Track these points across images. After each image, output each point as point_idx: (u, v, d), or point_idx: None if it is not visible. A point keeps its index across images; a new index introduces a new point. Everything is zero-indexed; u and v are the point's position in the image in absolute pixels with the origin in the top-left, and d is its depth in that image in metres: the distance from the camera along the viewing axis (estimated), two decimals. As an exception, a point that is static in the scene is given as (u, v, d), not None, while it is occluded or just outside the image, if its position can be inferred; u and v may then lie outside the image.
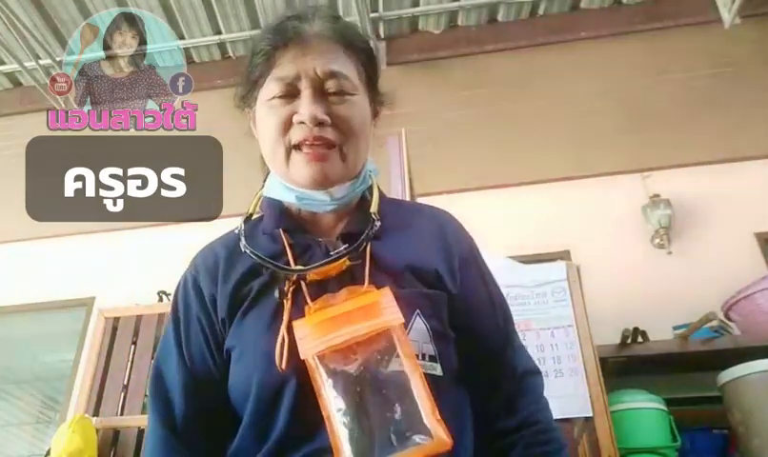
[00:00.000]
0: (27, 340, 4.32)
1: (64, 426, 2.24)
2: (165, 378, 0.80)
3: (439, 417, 0.63)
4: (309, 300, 0.73)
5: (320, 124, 0.77)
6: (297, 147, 0.78)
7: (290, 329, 0.70)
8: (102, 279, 3.98)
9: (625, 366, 2.55)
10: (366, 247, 0.78)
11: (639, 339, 2.55)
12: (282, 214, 0.85)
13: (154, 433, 0.77)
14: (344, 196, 0.83)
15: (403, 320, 0.69)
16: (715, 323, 2.56)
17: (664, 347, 2.54)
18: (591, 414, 1.95)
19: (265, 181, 0.89)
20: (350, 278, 0.76)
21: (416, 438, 0.62)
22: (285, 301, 0.73)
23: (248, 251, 0.78)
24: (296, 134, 0.78)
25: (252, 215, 0.87)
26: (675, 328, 2.75)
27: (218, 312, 0.78)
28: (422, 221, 0.88)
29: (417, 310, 0.74)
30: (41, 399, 4.29)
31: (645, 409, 2.28)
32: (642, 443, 2.21)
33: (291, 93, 0.79)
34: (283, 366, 0.68)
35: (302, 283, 0.75)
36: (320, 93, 0.79)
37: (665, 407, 2.32)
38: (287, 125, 0.79)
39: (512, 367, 0.83)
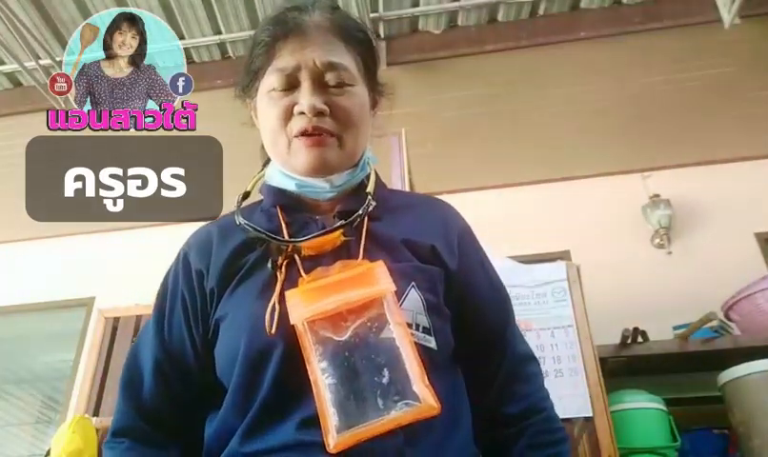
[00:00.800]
0: (27, 340, 4.32)
1: (64, 426, 2.24)
2: (139, 354, 0.80)
3: (428, 383, 0.63)
4: (302, 272, 0.73)
5: (320, 114, 0.78)
6: (298, 137, 0.79)
7: (282, 299, 0.70)
8: (102, 279, 3.98)
9: (625, 366, 2.55)
10: (362, 223, 0.78)
11: (639, 339, 2.55)
12: (281, 194, 0.85)
13: (117, 407, 0.78)
14: (343, 184, 0.84)
15: (395, 288, 0.68)
16: (715, 323, 2.56)
17: (664, 347, 2.54)
18: (591, 414, 1.95)
19: (264, 166, 0.89)
20: (345, 254, 0.76)
21: (404, 402, 0.62)
22: (278, 273, 0.73)
23: (243, 223, 0.78)
24: (297, 124, 0.79)
25: (248, 193, 0.88)
26: (675, 328, 2.75)
27: (206, 285, 0.78)
28: (420, 205, 0.90)
29: (413, 282, 0.74)
30: (41, 399, 4.29)
31: (645, 409, 2.28)
32: (642, 443, 2.21)
33: (291, 84, 0.80)
34: (273, 330, 0.68)
35: (296, 257, 0.75)
36: (320, 84, 0.80)
37: (665, 407, 2.32)
38: (287, 115, 0.80)
39: (512, 347, 0.84)
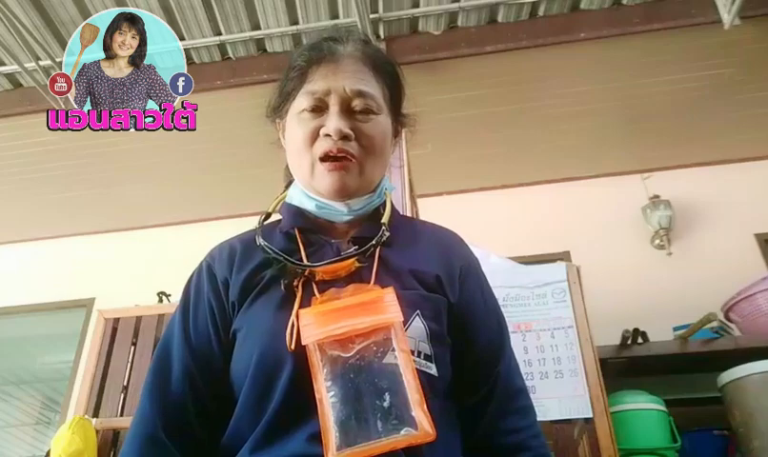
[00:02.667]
0: (27, 340, 4.32)
1: (64, 427, 2.23)
2: (166, 359, 0.81)
3: (426, 409, 0.66)
4: (317, 293, 0.76)
5: (344, 138, 0.82)
6: (322, 159, 0.83)
7: (298, 317, 0.73)
8: (102, 280, 3.98)
9: (625, 367, 2.55)
10: (375, 251, 0.81)
11: (639, 340, 2.55)
12: (299, 216, 0.89)
13: (141, 410, 0.78)
14: (361, 208, 0.88)
15: (402, 318, 0.71)
16: (715, 324, 2.56)
17: (664, 348, 2.54)
18: (591, 415, 1.95)
19: (287, 187, 0.94)
20: (357, 278, 0.79)
21: (401, 427, 0.65)
22: (296, 291, 0.76)
23: (262, 244, 0.82)
24: (321, 146, 0.83)
25: (270, 214, 0.92)
26: (675, 329, 2.75)
27: (229, 296, 0.81)
28: (429, 235, 0.93)
29: (418, 311, 0.76)
30: (41, 400, 4.28)
31: (645, 410, 2.28)
32: (642, 444, 2.21)
33: (320, 107, 0.84)
34: (292, 346, 0.70)
35: (311, 280, 0.78)
36: (347, 110, 0.84)
37: (665, 408, 2.32)
38: (314, 137, 0.84)
39: (504, 380, 0.85)
